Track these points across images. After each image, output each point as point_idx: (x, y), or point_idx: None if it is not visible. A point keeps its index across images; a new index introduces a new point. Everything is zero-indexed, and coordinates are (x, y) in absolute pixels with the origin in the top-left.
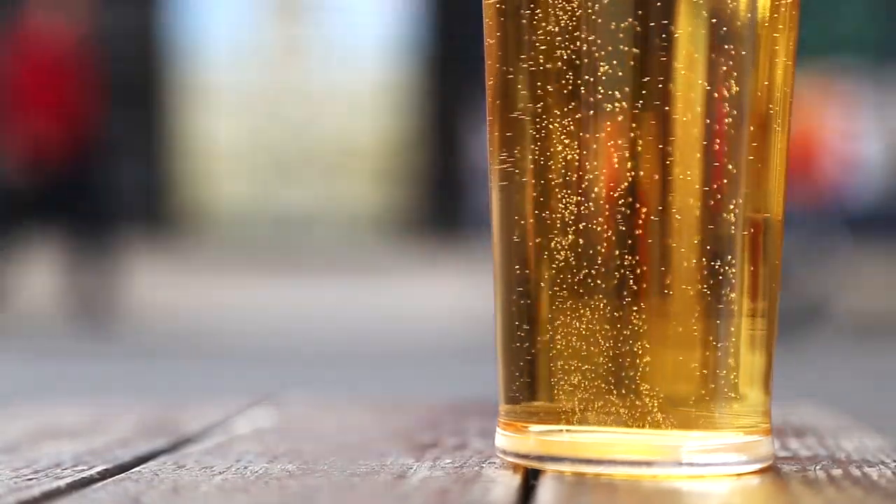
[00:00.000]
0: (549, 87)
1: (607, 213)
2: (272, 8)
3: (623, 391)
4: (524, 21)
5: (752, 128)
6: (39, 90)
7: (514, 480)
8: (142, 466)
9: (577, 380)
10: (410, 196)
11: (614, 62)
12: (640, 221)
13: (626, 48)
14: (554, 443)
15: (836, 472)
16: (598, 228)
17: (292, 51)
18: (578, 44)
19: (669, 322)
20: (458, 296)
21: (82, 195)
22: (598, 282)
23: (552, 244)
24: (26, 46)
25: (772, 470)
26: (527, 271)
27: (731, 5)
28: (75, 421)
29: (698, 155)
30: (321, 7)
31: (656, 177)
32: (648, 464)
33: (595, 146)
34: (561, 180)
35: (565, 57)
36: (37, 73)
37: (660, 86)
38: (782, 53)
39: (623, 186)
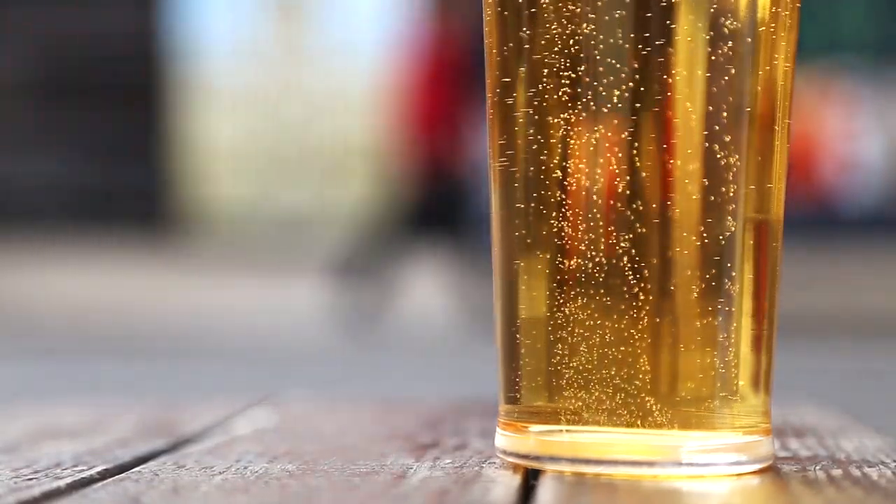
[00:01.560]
0: (550, 86)
1: (607, 212)
2: (272, 8)
3: (623, 391)
4: (524, 20)
5: (752, 128)
6: (436, 98)
7: (514, 480)
8: (142, 466)
9: (577, 379)
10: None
11: (614, 61)
12: (641, 221)
13: (627, 48)
14: (554, 443)
15: (836, 472)
16: (599, 228)
17: (292, 51)
18: (578, 43)
19: (670, 321)
20: (457, 295)
21: (461, 204)
22: (599, 281)
23: (552, 244)
24: (427, 54)
25: (772, 470)
26: (527, 271)
27: (731, 5)
28: (75, 421)
29: (699, 155)
30: (321, 7)
31: (656, 177)
32: (648, 464)
33: (595, 145)
34: (561, 180)
35: (565, 56)
36: (435, 80)
37: (660, 86)
38: (782, 54)
39: (623, 186)
